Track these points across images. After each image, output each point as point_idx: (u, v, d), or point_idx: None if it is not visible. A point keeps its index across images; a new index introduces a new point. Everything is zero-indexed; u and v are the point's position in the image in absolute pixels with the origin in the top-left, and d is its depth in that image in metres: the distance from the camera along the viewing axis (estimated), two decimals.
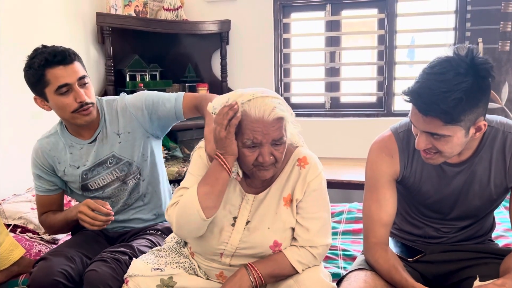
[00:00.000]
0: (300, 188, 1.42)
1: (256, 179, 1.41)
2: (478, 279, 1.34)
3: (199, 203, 1.32)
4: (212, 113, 1.36)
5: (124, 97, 1.83)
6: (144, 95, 1.81)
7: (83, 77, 1.67)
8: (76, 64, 1.66)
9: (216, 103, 1.36)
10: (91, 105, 1.69)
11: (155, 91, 1.84)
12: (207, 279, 1.49)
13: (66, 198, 2.09)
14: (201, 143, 1.49)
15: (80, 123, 1.71)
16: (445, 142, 1.28)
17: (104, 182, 1.78)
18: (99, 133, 1.77)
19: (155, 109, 1.78)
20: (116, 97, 1.87)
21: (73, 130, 1.78)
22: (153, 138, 1.84)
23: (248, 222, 1.43)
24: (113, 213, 1.62)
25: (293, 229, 1.43)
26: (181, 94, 1.80)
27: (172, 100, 1.78)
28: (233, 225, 1.42)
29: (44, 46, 1.67)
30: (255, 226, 1.42)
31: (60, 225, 1.77)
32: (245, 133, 1.30)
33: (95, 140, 1.77)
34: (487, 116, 1.35)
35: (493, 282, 1.26)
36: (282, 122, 1.32)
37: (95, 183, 1.78)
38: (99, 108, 1.78)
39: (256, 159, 1.32)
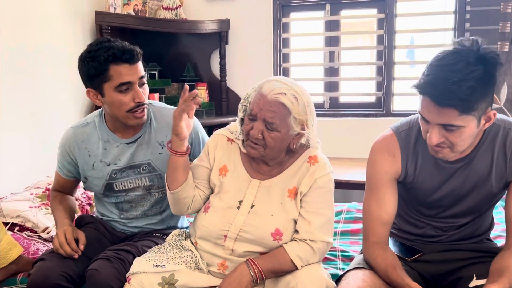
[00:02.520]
0: (307, 182, 1.46)
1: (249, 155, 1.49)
2: (475, 278, 1.34)
3: (166, 179, 1.55)
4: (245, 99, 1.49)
5: None
6: (202, 130, 1.81)
7: (143, 77, 1.63)
8: (140, 63, 1.62)
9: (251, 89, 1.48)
10: (146, 106, 1.65)
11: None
12: (209, 272, 1.51)
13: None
14: (220, 130, 1.60)
15: (131, 123, 1.66)
16: (458, 134, 1.28)
17: (130, 186, 1.74)
18: (140, 136, 1.73)
19: (198, 145, 1.78)
20: (164, 104, 1.84)
21: (114, 126, 1.72)
22: None
23: (253, 206, 1.48)
24: (78, 254, 1.57)
25: (295, 222, 1.47)
26: None
27: None
28: (238, 207, 1.48)
29: (108, 40, 1.61)
30: (259, 211, 1.47)
31: (53, 216, 1.79)
32: (250, 104, 1.42)
33: (134, 142, 1.72)
34: None
35: (488, 286, 1.26)
36: (282, 110, 1.38)
37: (121, 184, 1.74)
38: (147, 112, 1.71)
39: (249, 132, 1.42)
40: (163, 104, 1.84)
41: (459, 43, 1.27)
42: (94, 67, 1.57)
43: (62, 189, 1.85)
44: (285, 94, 1.37)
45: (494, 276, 1.30)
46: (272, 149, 1.42)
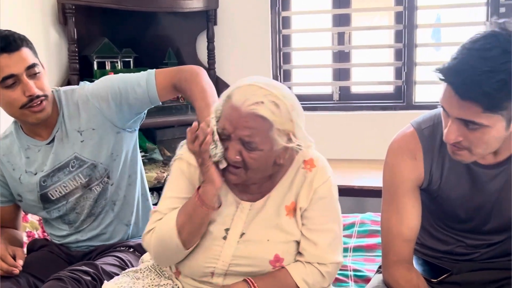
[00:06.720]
0: (306, 194, 1.43)
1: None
2: None
3: (177, 236, 1.38)
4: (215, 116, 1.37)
5: (84, 86, 1.81)
6: (108, 82, 1.79)
7: (32, 66, 1.64)
8: (24, 50, 1.63)
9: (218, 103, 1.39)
10: (43, 98, 1.66)
11: (121, 74, 1.83)
12: None
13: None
14: (182, 150, 1.48)
15: (32, 121, 1.68)
16: (481, 134, 1.25)
17: (66, 190, 1.77)
18: (57, 131, 1.75)
19: (124, 98, 1.76)
20: (75, 86, 1.85)
21: (28, 129, 1.76)
22: (126, 133, 1.83)
23: (243, 234, 1.43)
24: (18, 269, 1.60)
25: (297, 243, 1.45)
26: (151, 72, 1.78)
27: (142, 83, 1.76)
28: (224, 238, 1.43)
29: None
30: (251, 238, 1.43)
31: None
32: (220, 119, 1.34)
33: (53, 140, 1.75)
34: None
35: None
36: (262, 124, 1.30)
37: (56, 191, 1.76)
38: (57, 101, 1.75)
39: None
40: (69, 87, 1.86)
41: (501, 26, 1.23)
42: None
43: (3, 222, 1.82)
44: (263, 102, 1.28)
45: None
46: (255, 170, 1.35)
